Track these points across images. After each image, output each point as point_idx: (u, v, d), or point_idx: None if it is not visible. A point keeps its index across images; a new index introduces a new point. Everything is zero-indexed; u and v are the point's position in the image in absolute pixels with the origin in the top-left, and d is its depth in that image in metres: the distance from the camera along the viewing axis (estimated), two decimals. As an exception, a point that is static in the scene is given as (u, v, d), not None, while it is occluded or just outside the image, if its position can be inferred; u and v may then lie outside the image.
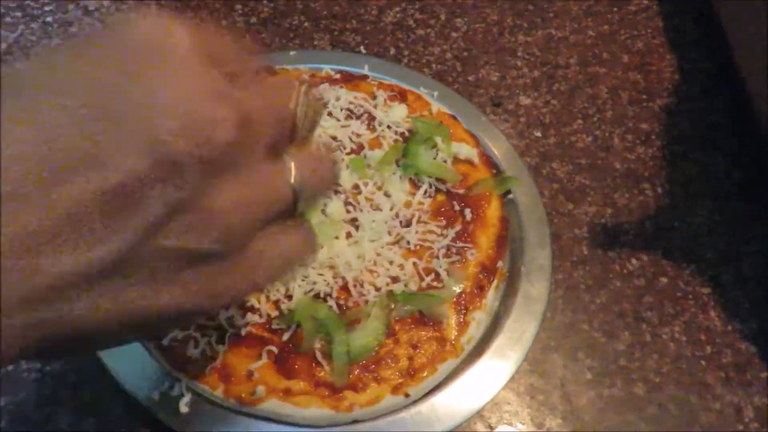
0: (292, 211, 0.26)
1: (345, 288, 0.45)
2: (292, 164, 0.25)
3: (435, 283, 0.46)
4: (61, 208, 0.20)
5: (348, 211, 0.48)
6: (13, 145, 0.20)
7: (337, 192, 0.49)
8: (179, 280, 0.23)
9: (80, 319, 0.21)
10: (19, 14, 0.62)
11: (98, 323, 0.22)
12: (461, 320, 0.45)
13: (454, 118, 0.56)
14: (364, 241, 0.46)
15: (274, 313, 0.43)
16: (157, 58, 0.22)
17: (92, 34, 0.24)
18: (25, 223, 0.20)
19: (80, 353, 0.38)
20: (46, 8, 0.63)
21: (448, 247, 0.48)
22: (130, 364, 0.41)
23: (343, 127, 0.53)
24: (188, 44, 0.23)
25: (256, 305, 0.43)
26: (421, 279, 0.46)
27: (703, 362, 0.48)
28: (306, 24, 0.66)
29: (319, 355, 0.42)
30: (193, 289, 0.23)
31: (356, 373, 0.42)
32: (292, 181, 0.25)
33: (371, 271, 0.46)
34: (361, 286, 0.45)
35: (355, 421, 0.41)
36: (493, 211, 0.51)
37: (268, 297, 0.44)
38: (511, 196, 0.53)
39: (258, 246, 0.25)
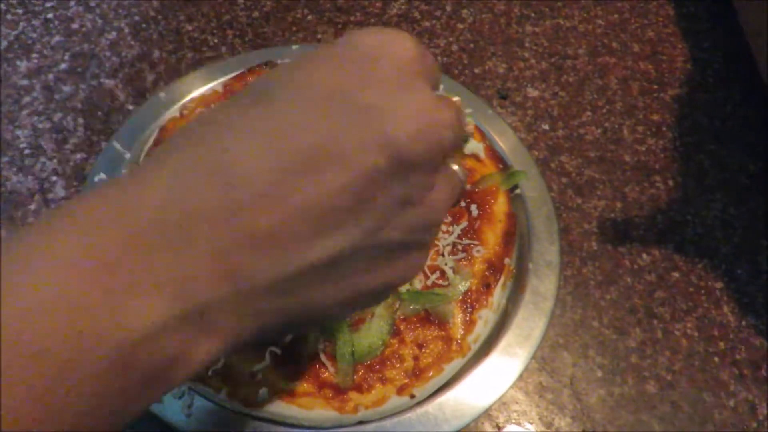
0: None
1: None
2: (457, 167, 0.29)
3: (440, 281, 0.45)
4: (307, 202, 0.22)
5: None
6: (258, 143, 0.22)
7: None
8: (391, 262, 0.26)
9: (312, 303, 0.24)
10: (20, 11, 0.61)
11: (324, 306, 0.25)
12: (468, 319, 0.45)
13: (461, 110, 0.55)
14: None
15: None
16: (389, 67, 0.24)
17: (326, 47, 0.26)
18: (274, 217, 0.21)
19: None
20: (48, 4, 0.62)
21: (454, 244, 0.47)
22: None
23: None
24: (414, 55, 0.25)
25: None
26: (426, 277, 0.45)
27: (716, 359, 0.47)
28: (309, 17, 0.65)
29: (323, 357, 0.41)
30: (401, 268, 0.26)
31: (361, 373, 0.41)
32: (462, 179, 0.29)
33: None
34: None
35: (361, 423, 0.40)
36: (499, 206, 0.50)
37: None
38: (518, 190, 0.52)
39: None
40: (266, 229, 0.21)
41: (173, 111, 0.53)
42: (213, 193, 0.21)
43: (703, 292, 0.50)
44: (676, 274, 0.51)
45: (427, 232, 0.27)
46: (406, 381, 0.41)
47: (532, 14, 0.67)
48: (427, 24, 0.66)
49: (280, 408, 0.40)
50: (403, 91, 0.24)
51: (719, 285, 0.50)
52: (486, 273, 0.46)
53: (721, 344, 0.48)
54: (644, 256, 0.51)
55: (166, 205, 0.21)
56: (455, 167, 0.28)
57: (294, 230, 0.22)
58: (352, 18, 0.65)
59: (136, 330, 0.20)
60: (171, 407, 0.40)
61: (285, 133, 0.22)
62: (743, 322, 0.49)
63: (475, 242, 0.47)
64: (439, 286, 0.45)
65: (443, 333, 0.44)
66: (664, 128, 0.59)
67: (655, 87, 0.62)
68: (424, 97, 0.24)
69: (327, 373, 0.41)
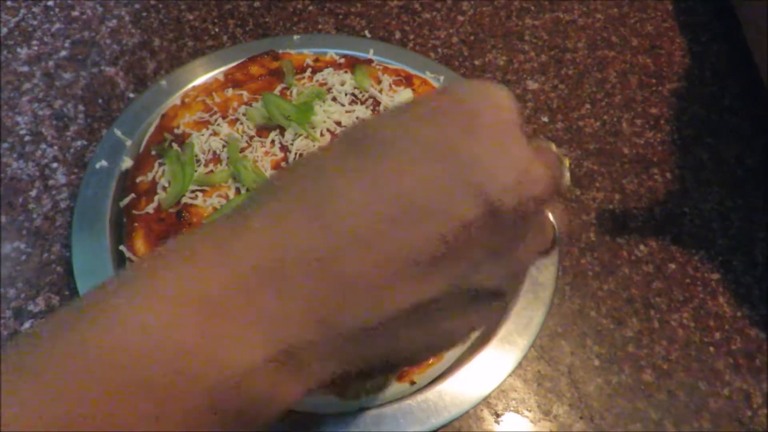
0: None
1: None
2: (551, 215, 0.29)
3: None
4: (399, 250, 0.22)
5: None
6: (357, 191, 0.22)
7: None
8: (477, 308, 0.26)
9: (398, 348, 0.25)
10: (20, -2, 0.61)
11: (409, 351, 0.26)
12: (468, 307, 0.45)
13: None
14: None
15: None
16: (490, 120, 0.24)
17: (427, 98, 0.26)
18: (367, 264, 0.22)
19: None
20: (48, -8, 0.62)
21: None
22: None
23: (347, 112, 0.52)
24: (513, 108, 0.25)
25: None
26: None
27: (712, 348, 0.48)
28: (310, 8, 0.65)
29: (324, 342, 0.41)
30: (484, 313, 0.27)
31: (362, 359, 0.42)
32: (557, 230, 0.29)
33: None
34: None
35: (362, 409, 0.41)
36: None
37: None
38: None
39: None
40: (359, 275, 0.22)
41: (174, 99, 0.53)
42: (311, 239, 0.22)
43: (699, 283, 0.51)
44: (673, 266, 0.51)
45: (514, 279, 0.27)
46: (407, 368, 0.42)
47: (532, 7, 0.68)
48: (427, 16, 0.66)
49: (281, 393, 0.40)
50: (504, 145, 0.24)
51: (715, 276, 0.51)
52: (486, 262, 0.47)
53: (717, 334, 0.48)
54: (642, 247, 0.52)
55: (265, 249, 0.22)
56: (550, 216, 0.29)
57: (385, 277, 0.22)
58: (352, 9, 0.65)
59: (231, 371, 0.21)
60: None
61: (385, 182, 0.23)
62: (739, 313, 0.49)
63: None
64: (440, 274, 0.45)
65: (443, 321, 0.44)
66: (662, 121, 0.59)
67: (654, 81, 0.62)
68: (523, 150, 0.24)
69: (328, 359, 0.41)
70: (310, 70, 0.55)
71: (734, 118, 0.60)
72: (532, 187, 0.24)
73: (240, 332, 0.21)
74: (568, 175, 0.29)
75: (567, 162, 0.30)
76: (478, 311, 0.27)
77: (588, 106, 0.60)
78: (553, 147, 0.28)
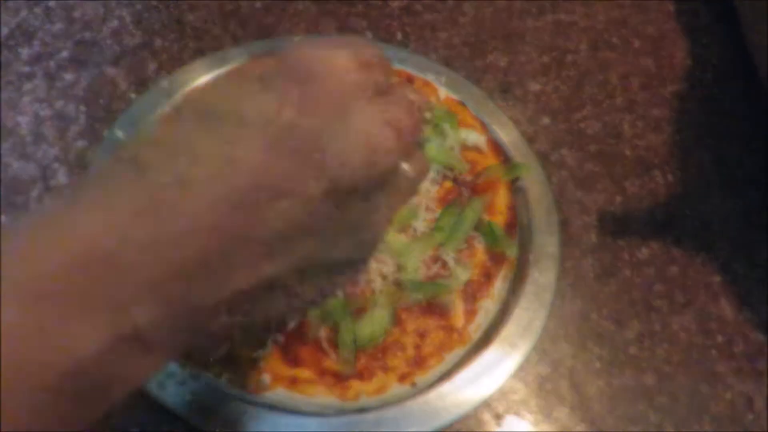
0: None
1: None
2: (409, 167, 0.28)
3: (442, 271, 0.46)
4: (245, 233, 0.23)
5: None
6: (201, 171, 0.22)
7: None
8: (330, 277, 0.27)
9: (256, 314, 0.25)
10: (21, -1, 0.61)
11: (268, 316, 0.26)
12: (469, 309, 0.45)
13: (462, 104, 0.55)
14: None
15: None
16: (328, 87, 0.24)
17: (261, 62, 0.26)
18: (207, 248, 0.22)
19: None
20: (49, -7, 0.62)
21: (456, 235, 0.47)
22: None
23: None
24: (354, 70, 0.25)
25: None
26: (428, 267, 0.46)
27: (713, 351, 0.48)
28: (312, 8, 0.65)
29: (325, 344, 0.41)
30: (340, 281, 0.28)
31: (363, 361, 0.41)
32: (414, 179, 0.28)
33: (377, 260, 0.45)
34: (368, 274, 0.44)
35: (362, 410, 0.41)
36: (501, 198, 0.50)
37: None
38: (519, 182, 0.52)
39: None
40: (199, 260, 0.22)
41: (175, 99, 0.53)
42: (148, 225, 0.22)
43: (701, 285, 0.50)
44: (674, 268, 0.51)
45: (371, 245, 0.28)
46: (408, 369, 0.42)
47: (534, 9, 0.67)
48: (429, 17, 0.66)
49: (281, 394, 0.40)
50: (345, 118, 0.24)
51: (717, 279, 0.51)
52: (487, 264, 0.47)
53: (719, 337, 0.48)
54: (643, 249, 0.52)
55: (102, 234, 0.22)
56: (405, 166, 0.28)
57: (228, 259, 0.23)
58: (353, 10, 0.65)
59: (79, 355, 0.21)
60: (172, 393, 0.40)
61: (229, 165, 0.23)
62: (741, 316, 0.49)
63: (477, 233, 0.48)
64: (441, 276, 0.46)
65: (444, 322, 0.44)
66: (663, 123, 0.59)
67: (655, 82, 0.62)
68: (366, 120, 0.24)
69: (329, 361, 0.41)
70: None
71: (735, 120, 0.60)
72: (382, 160, 0.24)
73: (82, 318, 0.21)
74: (429, 117, 0.29)
75: (431, 105, 0.29)
76: (333, 278, 0.27)
77: (589, 107, 0.60)
78: (410, 94, 0.27)
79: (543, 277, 0.48)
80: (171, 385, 0.40)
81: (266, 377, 0.40)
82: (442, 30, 0.65)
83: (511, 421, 0.44)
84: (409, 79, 0.56)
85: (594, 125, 0.59)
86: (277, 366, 0.41)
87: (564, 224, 0.52)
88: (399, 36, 0.64)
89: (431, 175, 0.50)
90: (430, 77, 0.57)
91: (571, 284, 0.50)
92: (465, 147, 0.52)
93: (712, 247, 0.52)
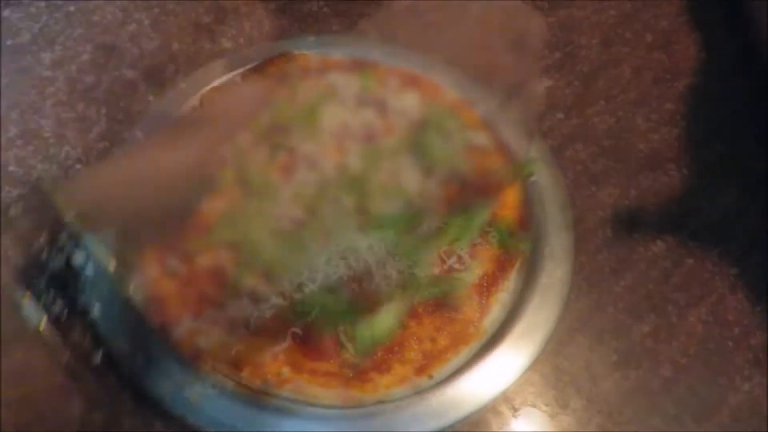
0: None
1: (368, 271, 0.45)
2: None
3: (457, 266, 0.46)
4: None
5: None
6: None
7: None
8: None
9: None
10: (42, 4, 0.63)
11: None
12: (484, 302, 0.45)
13: (469, 104, 0.55)
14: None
15: (298, 296, 0.43)
16: None
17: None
18: None
19: None
20: (69, -2, 0.64)
21: (471, 230, 0.48)
22: (144, 357, 0.42)
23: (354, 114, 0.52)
24: None
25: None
26: (443, 262, 0.46)
27: (730, 343, 0.48)
28: (325, 9, 0.66)
29: (343, 338, 0.42)
30: None
31: (380, 354, 0.42)
32: None
33: (391, 256, 0.46)
34: (384, 269, 0.45)
35: (380, 402, 0.41)
36: (511, 194, 0.50)
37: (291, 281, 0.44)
38: (533, 178, 0.52)
39: None
40: None
41: (193, 100, 0.54)
42: None
43: (717, 278, 0.50)
44: (690, 261, 0.51)
45: None
46: (425, 362, 0.42)
47: (545, 5, 0.68)
48: (435, 16, 0.66)
49: (300, 388, 0.41)
50: None
51: (734, 271, 0.51)
52: (501, 258, 0.47)
53: (736, 329, 0.48)
54: (658, 242, 0.52)
55: None
56: None
57: None
58: (365, 10, 0.66)
59: None
60: (180, 396, 0.40)
61: None
62: (758, 308, 0.49)
63: (491, 229, 0.48)
64: (456, 270, 0.46)
65: (460, 316, 0.44)
66: (677, 117, 0.59)
67: (669, 76, 0.62)
68: None
69: (347, 354, 0.42)
70: (317, 71, 0.55)
71: (749, 113, 0.59)
72: None
73: None
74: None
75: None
76: None
77: (602, 102, 0.60)
78: None
79: (558, 270, 0.48)
80: (181, 388, 0.40)
81: (286, 370, 0.41)
82: (449, 29, 0.65)
83: (527, 413, 0.44)
84: (415, 80, 0.56)
85: (607, 120, 0.59)
86: (297, 359, 0.41)
87: (578, 219, 0.52)
88: (405, 36, 0.64)
89: (438, 175, 0.49)
90: (435, 78, 0.57)
91: (587, 278, 0.50)
92: (471, 146, 0.52)
93: (729, 239, 0.52)
